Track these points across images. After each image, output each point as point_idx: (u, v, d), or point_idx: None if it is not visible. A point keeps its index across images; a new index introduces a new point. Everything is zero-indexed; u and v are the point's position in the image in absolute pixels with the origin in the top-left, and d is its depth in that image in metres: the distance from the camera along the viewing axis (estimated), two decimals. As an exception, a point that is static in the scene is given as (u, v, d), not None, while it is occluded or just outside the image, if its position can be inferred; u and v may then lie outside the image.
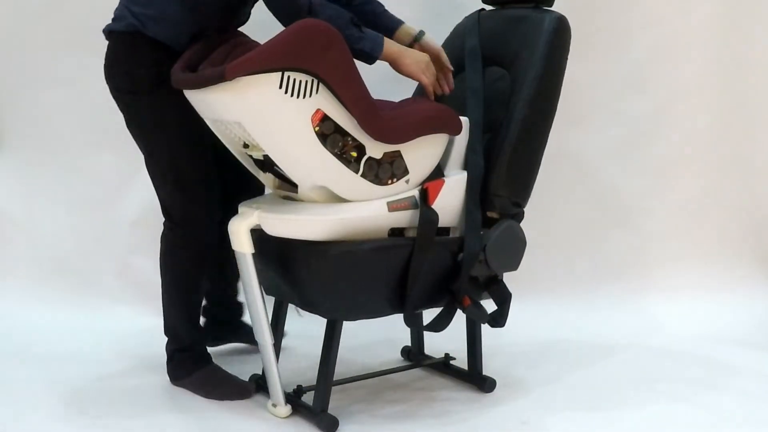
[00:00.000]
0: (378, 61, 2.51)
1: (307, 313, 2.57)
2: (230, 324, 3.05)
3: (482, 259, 2.54)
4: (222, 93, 2.25)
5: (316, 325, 2.63)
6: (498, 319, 2.65)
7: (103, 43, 3.34)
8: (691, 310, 3.43)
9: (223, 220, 2.57)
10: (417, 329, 2.96)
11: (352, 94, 2.30)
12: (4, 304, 3.40)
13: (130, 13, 2.56)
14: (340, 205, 2.42)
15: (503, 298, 2.64)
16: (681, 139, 3.51)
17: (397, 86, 3.09)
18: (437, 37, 2.93)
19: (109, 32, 2.64)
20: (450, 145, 2.58)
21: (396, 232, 2.49)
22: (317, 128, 2.30)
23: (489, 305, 2.64)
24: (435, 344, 3.04)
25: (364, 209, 2.41)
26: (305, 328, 3.03)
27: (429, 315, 2.95)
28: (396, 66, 2.54)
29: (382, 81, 3.12)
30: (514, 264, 2.64)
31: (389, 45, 2.51)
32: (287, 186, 2.55)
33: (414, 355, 3.02)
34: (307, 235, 2.39)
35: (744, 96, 3.50)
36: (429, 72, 2.57)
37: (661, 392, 2.78)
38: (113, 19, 2.64)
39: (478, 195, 2.56)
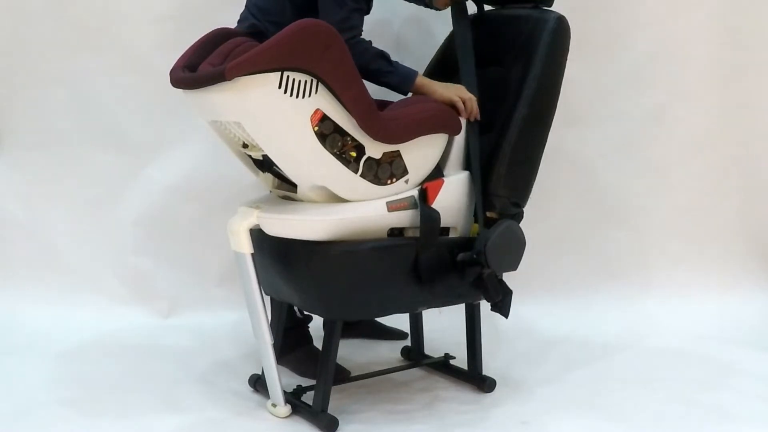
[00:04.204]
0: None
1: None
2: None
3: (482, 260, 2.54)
4: (221, 93, 2.25)
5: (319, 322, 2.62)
6: (501, 309, 2.63)
7: (104, 44, 3.36)
8: (691, 310, 3.42)
9: None
10: (418, 329, 2.97)
11: (352, 94, 2.31)
12: (4, 304, 3.40)
13: (252, 16, 2.66)
14: (339, 205, 2.42)
15: (504, 294, 2.63)
16: (681, 138, 3.50)
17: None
18: (437, 37, 2.94)
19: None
20: (449, 145, 2.58)
21: (395, 232, 2.50)
22: (316, 128, 2.30)
23: (487, 305, 2.63)
24: (435, 344, 3.04)
25: (364, 209, 2.41)
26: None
27: (429, 315, 2.96)
28: (431, 96, 2.58)
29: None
30: (513, 264, 2.63)
31: (421, 79, 2.58)
32: (286, 186, 2.56)
33: (414, 354, 3.01)
34: (306, 235, 2.39)
35: (744, 96, 3.50)
36: (465, 96, 2.58)
37: (660, 392, 2.77)
38: (238, 22, 2.73)
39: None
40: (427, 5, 2.87)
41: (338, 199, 2.42)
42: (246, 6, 2.75)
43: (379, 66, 2.51)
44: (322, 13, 2.51)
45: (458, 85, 2.61)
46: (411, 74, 2.57)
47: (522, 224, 2.66)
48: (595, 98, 3.46)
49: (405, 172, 2.47)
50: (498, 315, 2.62)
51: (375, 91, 2.45)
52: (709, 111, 3.50)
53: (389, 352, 3.11)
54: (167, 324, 3.39)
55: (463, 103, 2.57)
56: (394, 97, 2.67)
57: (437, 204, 2.50)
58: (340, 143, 2.35)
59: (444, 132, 2.54)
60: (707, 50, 3.45)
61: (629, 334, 3.29)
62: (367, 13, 2.64)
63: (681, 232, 3.54)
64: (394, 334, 3.20)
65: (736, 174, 3.54)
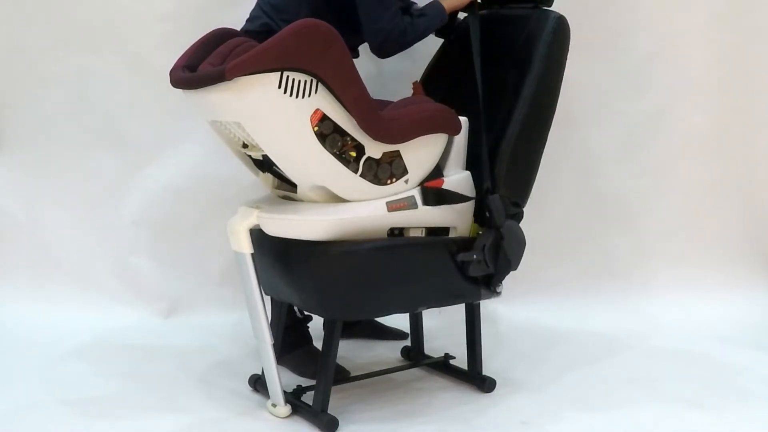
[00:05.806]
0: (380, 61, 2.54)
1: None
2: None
3: (481, 259, 2.54)
4: (221, 93, 2.25)
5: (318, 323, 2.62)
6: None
7: (104, 44, 3.36)
8: (691, 310, 3.43)
9: None
10: (418, 329, 2.97)
11: (352, 94, 2.30)
12: (4, 304, 3.40)
13: (265, 14, 2.67)
14: (339, 205, 2.42)
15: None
16: (681, 139, 3.50)
17: (397, 86, 3.11)
18: (437, 38, 2.94)
19: (245, 32, 2.69)
20: (449, 145, 2.58)
21: (395, 232, 2.50)
22: (316, 128, 2.30)
23: (488, 305, 2.63)
24: (435, 344, 3.04)
25: (363, 209, 2.41)
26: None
27: (429, 315, 2.96)
28: (462, 5, 2.77)
29: (382, 81, 3.14)
30: (513, 264, 2.63)
31: (445, 2, 2.73)
32: (286, 186, 2.56)
33: (414, 354, 3.01)
34: (306, 235, 2.39)
35: (744, 96, 3.50)
36: None
37: (661, 392, 2.77)
38: (248, 20, 2.74)
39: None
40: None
41: (338, 199, 2.42)
42: (257, 4, 2.75)
43: (423, 25, 2.65)
44: (368, 21, 2.54)
45: None
46: (440, 8, 2.70)
47: (522, 224, 2.66)
48: (595, 98, 3.46)
49: (405, 172, 2.47)
50: (498, 315, 2.63)
51: (375, 91, 2.45)
52: (709, 111, 3.50)
53: (389, 352, 3.11)
54: (167, 324, 3.39)
55: None
56: (394, 96, 2.67)
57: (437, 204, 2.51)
58: (339, 143, 2.35)
59: (444, 132, 2.53)
60: (707, 50, 3.45)
61: (629, 334, 3.29)
62: None
63: (681, 232, 3.55)
64: (394, 334, 3.20)
65: (735, 174, 3.54)
